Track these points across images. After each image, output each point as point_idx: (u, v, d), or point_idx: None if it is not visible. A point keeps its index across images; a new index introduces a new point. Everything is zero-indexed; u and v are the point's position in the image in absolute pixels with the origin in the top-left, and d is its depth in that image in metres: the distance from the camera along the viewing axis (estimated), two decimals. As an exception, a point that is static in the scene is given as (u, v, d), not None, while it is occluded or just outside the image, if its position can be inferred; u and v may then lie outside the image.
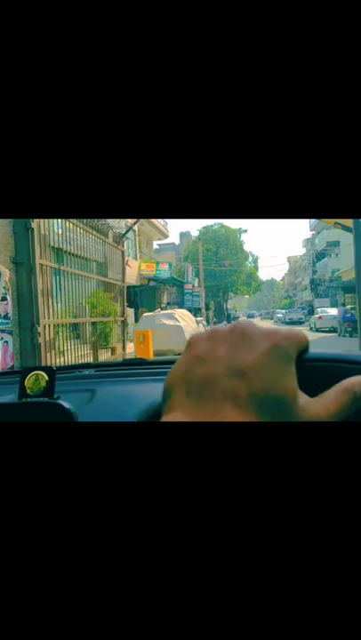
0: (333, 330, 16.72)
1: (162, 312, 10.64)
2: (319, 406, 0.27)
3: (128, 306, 17.18)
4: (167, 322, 9.77)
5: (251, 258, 35.87)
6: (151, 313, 10.97)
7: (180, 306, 21.58)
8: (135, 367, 1.16)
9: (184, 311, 11.32)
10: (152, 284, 18.91)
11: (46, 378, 0.64)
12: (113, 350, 6.35)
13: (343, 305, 15.78)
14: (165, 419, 0.26)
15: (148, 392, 0.75)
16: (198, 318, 15.09)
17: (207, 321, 26.50)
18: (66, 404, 0.61)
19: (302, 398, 0.27)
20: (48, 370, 0.66)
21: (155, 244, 24.64)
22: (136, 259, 16.94)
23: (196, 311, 25.33)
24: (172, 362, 1.05)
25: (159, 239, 21.56)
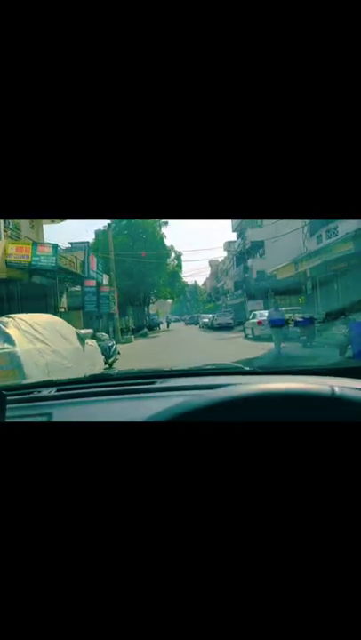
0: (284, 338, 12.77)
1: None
2: None
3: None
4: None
5: (174, 255, 31.89)
6: None
7: (82, 310, 16.77)
8: (102, 385, 1.11)
9: (39, 318, 5.22)
10: (37, 279, 13.93)
11: None
12: None
13: (276, 305, 12.11)
14: None
15: (112, 412, 0.71)
16: (100, 334, 10.15)
17: (127, 330, 21.64)
18: None
19: None
20: None
21: (66, 243, 19.49)
22: (-2, 237, 11.87)
23: (108, 317, 20.65)
24: (144, 376, 1.16)
25: (53, 222, 16.58)
